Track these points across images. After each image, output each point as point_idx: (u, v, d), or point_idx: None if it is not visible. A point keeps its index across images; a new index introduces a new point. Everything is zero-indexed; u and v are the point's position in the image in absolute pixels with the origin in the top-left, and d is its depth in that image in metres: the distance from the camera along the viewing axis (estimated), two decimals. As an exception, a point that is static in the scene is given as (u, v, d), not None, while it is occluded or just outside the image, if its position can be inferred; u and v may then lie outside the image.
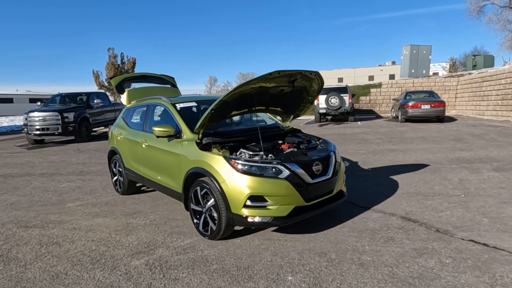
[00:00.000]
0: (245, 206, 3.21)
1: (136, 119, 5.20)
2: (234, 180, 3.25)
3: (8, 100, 37.54)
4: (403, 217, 3.96)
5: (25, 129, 12.04)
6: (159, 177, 4.38)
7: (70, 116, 12.13)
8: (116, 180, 5.62)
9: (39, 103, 14.06)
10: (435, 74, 37.55)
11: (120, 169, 5.38)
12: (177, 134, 4.01)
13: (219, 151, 3.62)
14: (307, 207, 3.37)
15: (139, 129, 4.91)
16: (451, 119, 16.06)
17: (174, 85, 6.67)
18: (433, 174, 5.93)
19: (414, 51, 24.29)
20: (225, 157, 3.36)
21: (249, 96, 3.65)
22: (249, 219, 3.22)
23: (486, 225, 3.64)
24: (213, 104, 3.43)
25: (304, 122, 18.13)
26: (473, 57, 25.64)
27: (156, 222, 4.20)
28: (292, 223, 3.48)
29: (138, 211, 4.69)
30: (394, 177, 5.78)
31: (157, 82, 6.55)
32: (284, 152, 3.77)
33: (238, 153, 3.65)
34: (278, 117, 4.90)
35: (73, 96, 14.08)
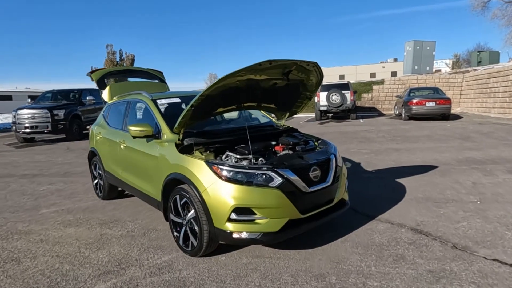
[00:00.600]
0: (230, 219, 2.73)
1: (115, 117, 4.71)
2: (217, 189, 2.76)
3: (7, 97, 37.05)
4: (413, 229, 3.47)
5: (14, 127, 11.58)
6: (137, 182, 3.91)
7: (60, 113, 11.65)
8: (96, 184, 5.15)
9: (29, 100, 13.58)
10: (438, 71, 36.86)
11: (100, 172, 4.90)
12: (156, 134, 3.53)
13: (202, 154, 3.14)
14: (302, 220, 2.89)
15: (119, 128, 4.43)
16: (456, 117, 15.52)
17: (162, 80, 6.18)
18: (443, 176, 5.44)
19: (418, 47, 23.69)
20: (207, 162, 2.87)
21: (236, 90, 3.16)
22: (235, 235, 2.73)
23: (511, 239, 3.15)
24: (194, 100, 2.94)
25: (304, 119, 17.64)
26: (478, 53, 25.03)
27: (133, 233, 3.73)
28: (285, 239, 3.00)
29: (116, 219, 4.21)
30: (400, 180, 5.29)
31: (143, 77, 6.06)
32: (277, 155, 3.29)
33: (224, 157, 3.17)
34: (274, 115, 4.40)
35: (65, 93, 13.59)
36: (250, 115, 4.62)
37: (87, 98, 13.18)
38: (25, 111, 11.51)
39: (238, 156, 3.10)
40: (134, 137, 3.54)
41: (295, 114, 4.16)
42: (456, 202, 4.21)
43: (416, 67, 23.98)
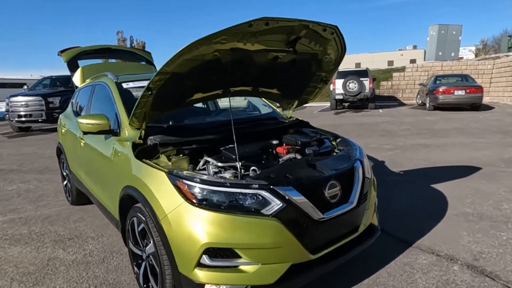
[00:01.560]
0: (200, 265, 1.77)
1: (80, 104, 3.80)
2: (182, 216, 1.81)
3: (20, 85, 36.94)
4: (471, 266, 2.45)
5: (7, 116, 10.90)
6: (96, 191, 3.01)
7: (56, 101, 10.87)
8: (65, 186, 4.29)
9: (25, 87, 12.87)
10: (460, 59, 34.59)
11: (67, 172, 4.03)
12: (116, 129, 2.59)
13: (170, 160, 2.18)
14: (313, 262, 1.92)
15: (82, 120, 3.51)
16: (487, 107, 14.08)
17: (150, 62, 5.21)
18: (491, 182, 4.34)
19: (443, 32, 21.97)
20: (169, 174, 1.91)
21: (219, 67, 2.16)
22: (208, 288, 1.79)
23: None
24: (151, 81, 1.97)
25: (318, 109, 16.48)
26: (508, 37, 23.07)
27: (90, 258, 2.84)
28: None
29: (77, 234, 3.34)
30: (437, 186, 4.24)
31: (127, 58, 5.12)
32: (278, 163, 2.31)
33: (201, 164, 2.22)
34: (278, 104, 3.39)
35: (64, 79, 12.79)
36: (249, 103, 3.62)
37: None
38: (19, 98, 10.80)
39: (219, 164, 2.13)
40: (84, 133, 2.61)
41: (306, 102, 3.14)
42: (520, 222, 3.15)
43: (440, 53, 22.32)
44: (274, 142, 2.64)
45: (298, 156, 2.42)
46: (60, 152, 4.22)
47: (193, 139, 2.35)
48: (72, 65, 4.45)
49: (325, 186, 1.99)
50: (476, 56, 38.16)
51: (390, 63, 46.65)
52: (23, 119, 10.68)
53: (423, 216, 3.36)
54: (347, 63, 45.03)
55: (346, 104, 16.08)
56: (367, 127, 9.96)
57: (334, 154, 2.49)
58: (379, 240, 2.86)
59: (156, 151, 2.22)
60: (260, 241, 1.77)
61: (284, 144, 2.61)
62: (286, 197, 1.83)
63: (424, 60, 29.22)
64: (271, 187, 1.83)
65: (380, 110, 14.80)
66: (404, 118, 11.84)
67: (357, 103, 15.46)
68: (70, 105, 4.24)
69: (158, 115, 2.36)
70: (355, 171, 2.23)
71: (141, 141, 2.29)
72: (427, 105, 13.68)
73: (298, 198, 1.86)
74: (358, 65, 46.78)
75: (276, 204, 1.80)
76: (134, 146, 2.24)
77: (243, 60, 2.17)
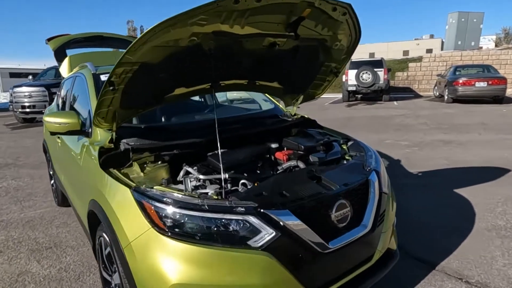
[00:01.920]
0: (169, 310, 1.39)
1: (62, 98, 3.45)
2: (148, 246, 1.43)
3: (34, 75, 37.21)
4: (510, 301, 2.02)
5: (11, 106, 10.73)
6: (71, 196, 2.67)
7: (59, 91, 10.63)
8: (52, 185, 3.98)
9: (30, 77, 12.68)
10: (480, 48, 33.07)
11: (52, 172, 3.72)
12: (86, 130, 2.22)
13: (144, 170, 1.80)
14: (315, 305, 1.52)
15: (62, 115, 3.15)
16: (510, 100, 13.28)
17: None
18: (523, 187, 3.85)
19: (463, 19, 20.89)
20: (134, 191, 1.52)
21: (202, 57, 1.75)
22: None
23: None
24: (111, 74, 1.57)
25: (330, 101, 15.88)
26: (533, 26, 21.82)
27: (64, 274, 2.51)
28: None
29: (56, 243, 3.02)
30: (462, 191, 3.76)
31: (120, 46, 4.74)
32: (276, 172, 1.90)
33: (181, 175, 1.83)
34: (280, 99, 2.96)
35: (69, 70, 12.56)
36: (249, 98, 3.20)
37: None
38: (23, 88, 10.60)
39: (201, 177, 1.73)
40: (52, 133, 2.24)
41: (314, 98, 2.70)
42: None
43: (459, 43, 21.30)
44: (273, 145, 2.23)
45: (301, 164, 2.00)
46: (45, 149, 3.90)
47: (174, 143, 1.96)
48: (60, 54, 4.09)
49: (332, 207, 1.58)
50: (496, 45, 36.52)
51: (406, 53, 45.17)
52: (27, 110, 10.49)
53: (448, 229, 2.91)
54: (360, 53, 43.77)
55: (359, 96, 15.46)
56: (381, 120, 9.41)
57: (345, 162, 2.06)
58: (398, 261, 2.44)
59: (127, 157, 1.84)
60: (246, 282, 1.37)
61: (284, 149, 2.20)
62: (281, 223, 1.43)
63: (441, 50, 28.07)
64: (262, 210, 1.42)
65: (395, 102, 14.14)
66: (421, 111, 11.22)
67: (370, 95, 14.82)
68: (55, 98, 3.90)
69: (133, 115, 1.97)
70: (370, 186, 1.80)
71: (111, 145, 1.91)
72: (446, 97, 12.97)
73: (297, 225, 1.45)
74: (372, 54, 45.45)
75: (267, 234, 1.40)
76: (102, 151, 1.85)
77: (232, 47, 1.75)
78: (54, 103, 3.83)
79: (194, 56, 1.70)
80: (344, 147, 2.32)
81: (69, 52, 4.23)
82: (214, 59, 1.79)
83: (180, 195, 1.47)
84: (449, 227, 2.96)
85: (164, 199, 1.44)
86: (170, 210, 1.42)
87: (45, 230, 3.29)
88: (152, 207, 1.44)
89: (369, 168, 1.93)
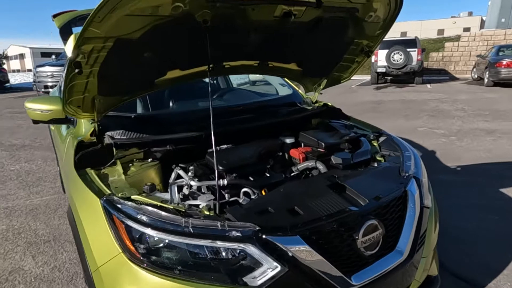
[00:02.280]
0: None
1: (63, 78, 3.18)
2: (118, 276, 1.12)
3: (58, 54, 38.15)
4: None
5: (34, 86, 10.83)
6: (66, 187, 2.43)
7: (81, 71, 10.58)
8: (59, 171, 3.81)
9: (53, 56, 12.73)
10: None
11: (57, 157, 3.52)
12: (71, 118, 1.93)
13: (128, 171, 1.49)
14: None
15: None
16: (559, 84, 12.02)
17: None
18: None
19: (508, -6, 19.04)
20: (105, 203, 1.21)
21: (196, 31, 1.37)
22: None
23: None
24: (76, 53, 1.24)
25: (357, 82, 15.05)
26: None
27: (57, 274, 2.31)
28: None
29: (56, 235, 2.84)
30: (509, 192, 3.26)
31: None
32: (285, 179, 1.53)
33: (173, 179, 1.50)
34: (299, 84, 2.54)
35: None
36: (263, 81, 2.81)
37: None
38: (46, 68, 10.64)
39: (193, 183, 1.40)
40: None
41: (339, 82, 2.27)
42: None
43: (503, 20, 19.48)
44: (288, 140, 1.85)
45: (320, 166, 1.62)
46: (51, 133, 3.71)
47: (168, 137, 1.63)
48: (65, 32, 3.81)
49: (358, 230, 1.21)
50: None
51: (440, 32, 42.36)
52: (50, 90, 10.53)
53: (495, 240, 2.46)
54: (392, 32, 41.27)
55: (389, 78, 14.54)
56: (413, 105, 8.71)
57: (376, 165, 1.66)
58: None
59: (110, 154, 1.53)
60: (239, 331, 1.04)
61: (301, 145, 1.82)
62: (289, 254, 1.07)
63: (480, 28, 25.99)
64: (264, 236, 1.07)
65: (428, 85, 13.18)
66: (458, 95, 10.34)
67: (401, 77, 13.88)
68: (59, 80, 3.66)
69: (117, 102, 1.64)
70: (409, 199, 1.40)
71: (93, 139, 1.60)
72: (486, 80, 11.91)
73: (310, 255, 1.09)
74: (404, 34, 42.97)
75: (270, 268, 1.06)
76: (80, 146, 1.55)
77: (233, 18, 1.36)
78: (56, 87, 3.60)
79: (185, 30, 1.33)
80: (375, 144, 1.90)
81: (75, 30, 3.96)
82: (212, 34, 1.41)
83: (160, 212, 1.14)
84: (497, 236, 2.50)
85: (138, 217, 1.12)
86: (144, 231, 1.09)
87: (47, 221, 3.12)
88: (123, 226, 1.12)
89: (407, 174, 1.52)
